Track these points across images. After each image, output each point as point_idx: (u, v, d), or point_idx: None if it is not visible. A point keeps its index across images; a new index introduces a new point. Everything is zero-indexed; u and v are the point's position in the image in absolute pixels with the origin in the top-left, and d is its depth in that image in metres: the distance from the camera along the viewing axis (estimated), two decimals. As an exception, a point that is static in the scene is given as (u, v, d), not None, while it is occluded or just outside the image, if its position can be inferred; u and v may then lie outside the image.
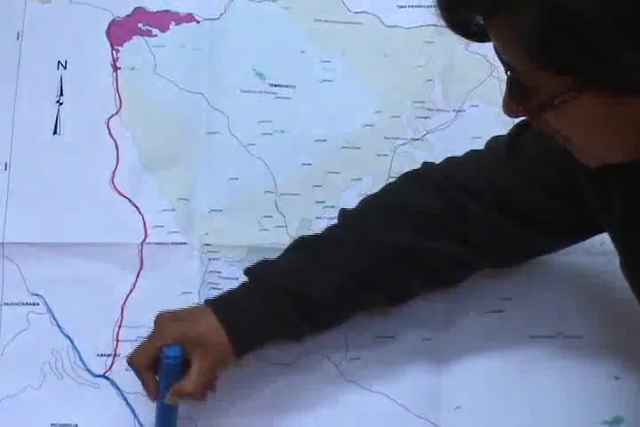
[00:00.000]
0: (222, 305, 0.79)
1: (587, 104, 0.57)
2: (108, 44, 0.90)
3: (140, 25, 0.90)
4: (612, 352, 0.86)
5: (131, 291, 0.87)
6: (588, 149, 0.63)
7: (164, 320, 0.79)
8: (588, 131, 0.60)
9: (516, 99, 0.60)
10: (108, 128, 0.89)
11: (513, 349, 0.87)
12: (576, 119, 0.59)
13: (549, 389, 0.86)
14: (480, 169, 0.79)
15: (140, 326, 0.85)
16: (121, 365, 0.84)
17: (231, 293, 0.80)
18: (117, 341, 0.86)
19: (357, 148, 0.89)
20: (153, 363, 0.78)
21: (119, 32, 0.90)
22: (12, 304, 0.86)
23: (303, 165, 0.88)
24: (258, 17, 0.91)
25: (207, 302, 0.80)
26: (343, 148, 0.89)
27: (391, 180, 0.87)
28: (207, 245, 0.87)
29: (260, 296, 0.78)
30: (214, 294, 0.84)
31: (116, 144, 0.88)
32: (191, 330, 0.77)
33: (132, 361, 0.79)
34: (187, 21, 0.90)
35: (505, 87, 0.61)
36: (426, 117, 0.89)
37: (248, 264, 0.84)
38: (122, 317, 0.86)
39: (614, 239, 0.73)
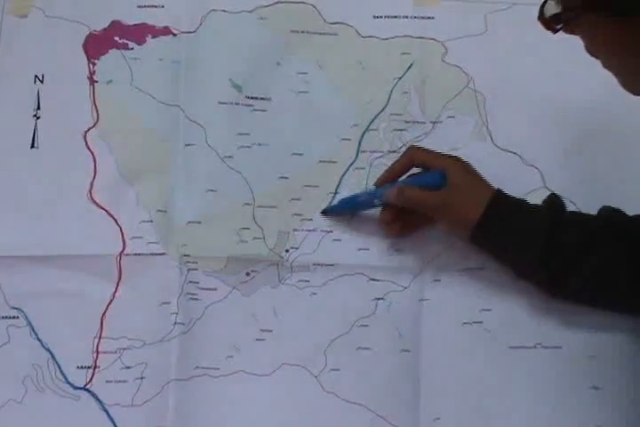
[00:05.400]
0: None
1: (594, 24, 0.69)
2: (84, 57, 0.96)
3: (116, 38, 0.96)
4: (591, 363, 0.91)
5: (110, 302, 0.90)
6: (622, 75, 0.73)
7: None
8: (609, 53, 0.71)
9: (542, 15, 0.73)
10: (86, 141, 0.94)
11: (492, 359, 0.91)
12: (592, 39, 0.71)
13: (529, 400, 0.90)
14: None
15: (120, 338, 0.89)
16: (101, 377, 0.89)
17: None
18: (97, 353, 0.89)
19: (334, 162, 0.95)
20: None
21: (96, 45, 0.96)
22: (-7, 318, 0.92)
23: (280, 178, 0.94)
24: (234, 28, 0.96)
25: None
26: (320, 162, 0.94)
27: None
28: (186, 255, 0.92)
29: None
30: (193, 304, 0.90)
31: (93, 157, 0.93)
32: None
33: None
34: (163, 34, 0.96)
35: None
36: (402, 130, 0.95)
37: (226, 275, 0.90)
38: (101, 328, 0.90)
39: None
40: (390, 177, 0.92)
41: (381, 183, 0.92)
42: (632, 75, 0.72)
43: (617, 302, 0.90)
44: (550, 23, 0.73)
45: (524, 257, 0.88)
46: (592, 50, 0.73)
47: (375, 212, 0.92)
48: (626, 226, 0.88)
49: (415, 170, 0.91)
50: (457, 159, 0.89)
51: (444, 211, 0.88)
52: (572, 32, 0.73)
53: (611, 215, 0.89)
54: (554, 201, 0.89)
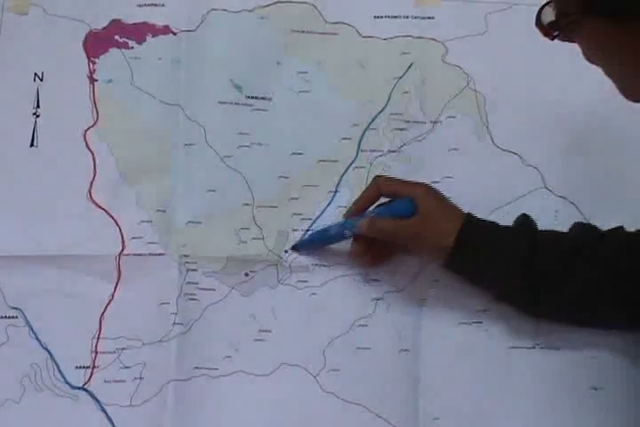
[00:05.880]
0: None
1: (593, 29, 0.68)
2: (84, 56, 0.96)
3: (116, 37, 0.96)
4: (589, 363, 0.91)
5: (109, 302, 0.91)
6: (621, 82, 0.72)
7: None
8: (607, 58, 0.71)
9: (539, 22, 0.73)
10: (85, 140, 0.94)
11: (491, 360, 0.91)
12: (591, 46, 0.71)
13: (529, 400, 0.91)
14: None
15: (119, 338, 0.90)
16: (100, 377, 0.89)
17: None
18: (96, 353, 0.90)
19: (334, 161, 0.95)
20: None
21: (96, 44, 0.96)
22: (-9, 318, 0.92)
23: (280, 177, 0.94)
24: (234, 28, 0.97)
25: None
26: (320, 161, 0.95)
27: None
28: (185, 256, 0.92)
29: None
30: (192, 304, 0.90)
31: (93, 156, 0.94)
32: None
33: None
34: (163, 33, 0.96)
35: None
36: (402, 129, 0.95)
37: (225, 276, 0.90)
38: (100, 328, 0.90)
39: None
40: (359, 208, 0.92)
41: (350, 215, 0.92)
42: (631, 81, 0.72)
43: (601, 321, 0.90)
44: (548, 29, 0.73)
45: (502, 282, 0.88)
46: (590, 56, 0.73)
47: (347, 243, 0.92)
48: (601, 243, 0.88)
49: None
50: (424, 186, 0.89)
51: (417, 240, 0.88)
52: (569, 39, 0.73)
53: (584, 233, 0.90)
54: (525, 221, 0.90)
